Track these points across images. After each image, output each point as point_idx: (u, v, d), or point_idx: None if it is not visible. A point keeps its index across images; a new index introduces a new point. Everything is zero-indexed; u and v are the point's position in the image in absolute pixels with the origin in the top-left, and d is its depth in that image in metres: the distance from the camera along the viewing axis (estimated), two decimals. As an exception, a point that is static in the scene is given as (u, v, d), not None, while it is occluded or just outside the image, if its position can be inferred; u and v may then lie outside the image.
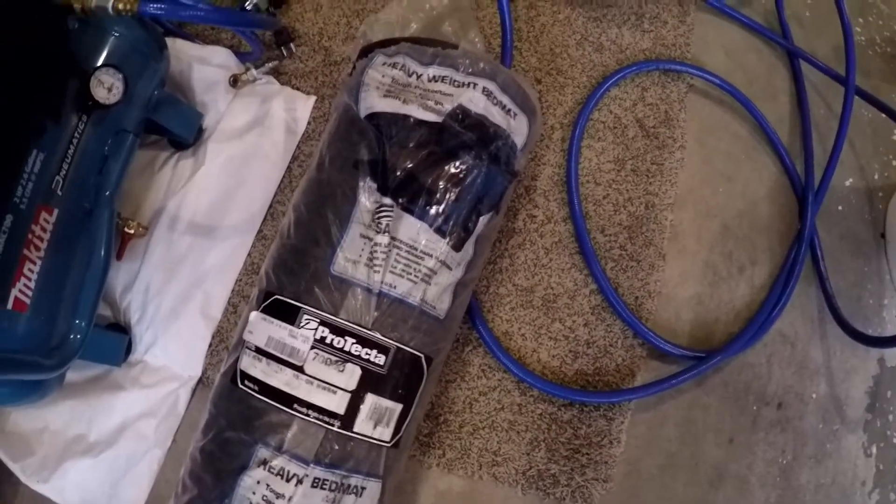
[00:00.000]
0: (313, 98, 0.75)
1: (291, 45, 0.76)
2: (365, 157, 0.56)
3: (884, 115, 0.88)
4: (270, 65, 0.75)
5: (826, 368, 0.81)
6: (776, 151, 0.84)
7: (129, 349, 0.70)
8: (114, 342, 0.69)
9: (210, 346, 0.69)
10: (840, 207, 0.86)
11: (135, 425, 0.69)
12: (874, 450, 0.82)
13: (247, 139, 0.72)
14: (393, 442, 0.55)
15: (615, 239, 0.75)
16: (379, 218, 0.53)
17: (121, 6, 0.57)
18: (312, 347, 0.52)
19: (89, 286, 0.62)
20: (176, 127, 0.71)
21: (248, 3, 0.74)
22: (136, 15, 0.57)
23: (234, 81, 0.74)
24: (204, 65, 0.75)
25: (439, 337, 0.58)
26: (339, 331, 0.52)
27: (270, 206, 0.72)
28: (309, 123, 0.74)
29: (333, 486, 0.52)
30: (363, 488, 0.54)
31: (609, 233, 0.75)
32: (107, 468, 0.68)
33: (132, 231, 0.67)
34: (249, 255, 0.71)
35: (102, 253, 0.62)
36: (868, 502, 0.80)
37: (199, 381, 0.69)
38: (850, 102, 0.82)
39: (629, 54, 0.82)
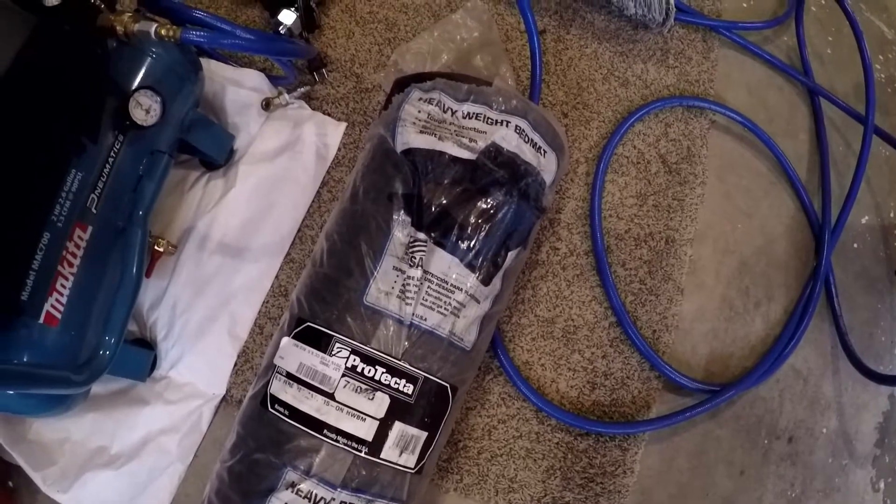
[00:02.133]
0: (344, 124, 0.77)
1: (324, 70, 0.78)
2: (400, 191, 0.58)
3: None
4: (302, 90, 0.77)
5: (837, 404, 0.82)
6: (794, 188, 0.85)
7: (154, 365, 0.72)
8: (140, 357, 0.71)
9: (235, 365, 0.71)
10: (855, 245, 0.87)
11: (157, 440, 0.71)
12: (882, 485, 0.83)
13: (277, 163, 0.74)
14: (417, 468, 0.57)
15: (635, 273, 0.77)
16: (413, 252, 0.55)
17: (164, 32, 0.58)
18: (343, 375, 0.54)
19: (120, 303, 0.63)
20: (208, 148, 0.73)
21: (281, 27, 0.77)
22: (178, 42, 0.59)
23: (267, 105, 0.76)
24: (237, 87, 0.77)
25: (465, 367, 0.60)
26: (369, 360, 0.54)
27: (299, 230, 0.74)
28: (339, 149, 0.76)
29: None
30: None
31: (630, 267, 0.77)
32: (127, 481, 0.70)
33: (162, 249, 0.69)
34: (277, 277, 0.73)
35: (134, 271, 0.63)
36: (874, 538, 0.82)
37: (223, 399, 0.71)
38: (869, 141, 0.84)
39: (654, 90, 0.84)
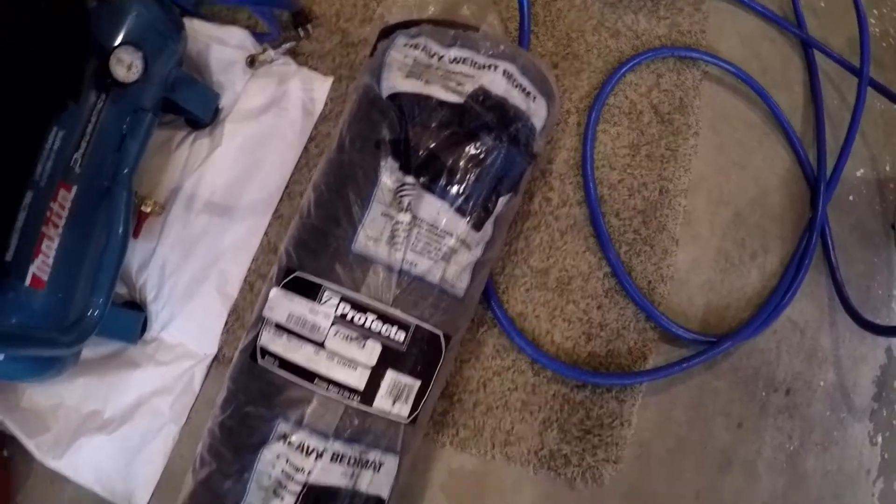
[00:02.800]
0: (331, 79, 0.75)
1: (309, 26, 0.76)
2: (387, 137, 0.56)
3: None
4: (287, 46, 0.75)
5: (835, 356, 0.81)
6: (789, 140, 0.84)
7: (144, 327, 0.71)
8: (130, 320, 0.70)
9: (226, 324, 0.70)
10: (851, 198, 0.86)
11: (150, 402, 0.70)
12: (879, 439, 0.83)
13: (264, 120, 0.73)
14: (411, 418, 0.56)
15: (629, 223, 0.75)
16: (401, 196, 0.54)
17: None
18: (333, 323, 0.52)
19: (107, 264, 0.61)
20: (193, 107, 0.71)
21: (265, -17, 0.75)
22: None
23: (252, 62, 0.74)
24: (221, 45, 0.75)
25: (458, 315, 0.59)
26: (360, 307, 0.53)
27: (287, 187, 0.72)
28: (326, 104, 0.75)
29: (352, 460, 0.53)
30: (381, 464, 0.55)
31: (623, 217, 0.75)
32: (121, 445, 0.69)
33: (149, 210, 0.68)
34: (266, 234, 0.71)
35: (121, 231, 0.62)
36: (872, 490, 0.82)
37: (215, 358, 0.70)
38: (864, 94, 0.83)
39: (645, 40, 0.82)
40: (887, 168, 0.89)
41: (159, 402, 0.70)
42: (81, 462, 0.69)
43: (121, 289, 0.72)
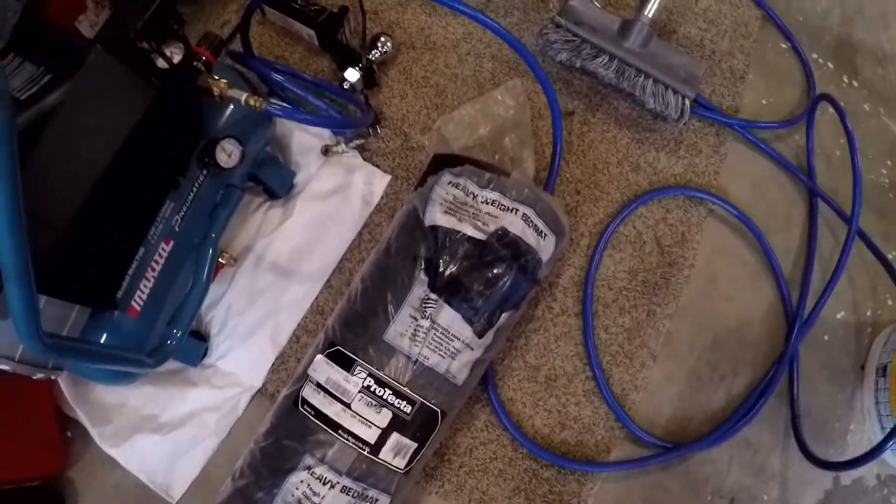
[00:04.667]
0: (389, 177, 1.06)
1: (378, 126, 1.06)
2: (423, 255, 0.86)
3: (890, 256, 1.14)
4: (358, 141, 1.05)
5: (782, 476, 1.07)
6: (776, 280, 1.10)
7: (205, 354, 1.01)
8: (195, 347, 0.99)
9: (272, 365, 1.00)
10: (826, 337, 1.12)
11: (200, 416, 1.00)
12: (816, 557, 1.08)
13: (329, 202, 1.03)
14: (405, 470, 0.85)
15: (615, 338, 1.03)
16: (425, 307, 0.83)
17: (252, 102, 0.85)
18: (360, 391, 0.82)
19: (190, 305, 0.92)
20: (273, 182, 1.02)
21: (345, 83, 1.05)
22: (262, 111, 0.87)
23: (326, 151, 1.04)
24: (302, 132, 1.06)
25: (455, 399, 0.88)
26: (381, 383, 0.82)
27: (340, 262, 1.03)
28: (382, 198, 1.05)
29: (356, 494, 0.83)
30: (377, 500, 0.84)
31: (611, 332, 1.03)
32: (170, 446, 0.98)
33: (224, 262, 0.98)
34: (317, 299, 1.02)
35: (204, 280, 0.93)
36: None
37: (259, 391, 1.00)
38: (850, 243, 1.07)
39: (661, 177, 1.10)
40: (868, 314, 1.14)
41: (208, 417, 0.99)
42: (134, 453, 0.97)
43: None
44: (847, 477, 1.09)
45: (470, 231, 0.85)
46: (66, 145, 0.71)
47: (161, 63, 0.80)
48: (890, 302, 1.15)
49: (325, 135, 1.05)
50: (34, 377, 0.79)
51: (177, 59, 0.82)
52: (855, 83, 1.25)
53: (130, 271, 0.84)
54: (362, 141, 1.06)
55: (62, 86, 0.69)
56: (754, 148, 1.15)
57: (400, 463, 0.84)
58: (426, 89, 1.09)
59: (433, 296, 0.83)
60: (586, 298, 1.02)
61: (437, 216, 0.86)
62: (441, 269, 0.84)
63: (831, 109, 1.15)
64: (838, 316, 1.13)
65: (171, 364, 1.00)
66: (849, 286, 1.14)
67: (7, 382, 0.87)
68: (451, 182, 0.89)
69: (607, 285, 1.05)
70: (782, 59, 1.23)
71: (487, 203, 0.88)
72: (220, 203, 0.93)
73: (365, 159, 1.06)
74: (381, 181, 1.05)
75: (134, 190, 0.81)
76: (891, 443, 0.94)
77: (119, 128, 0.76)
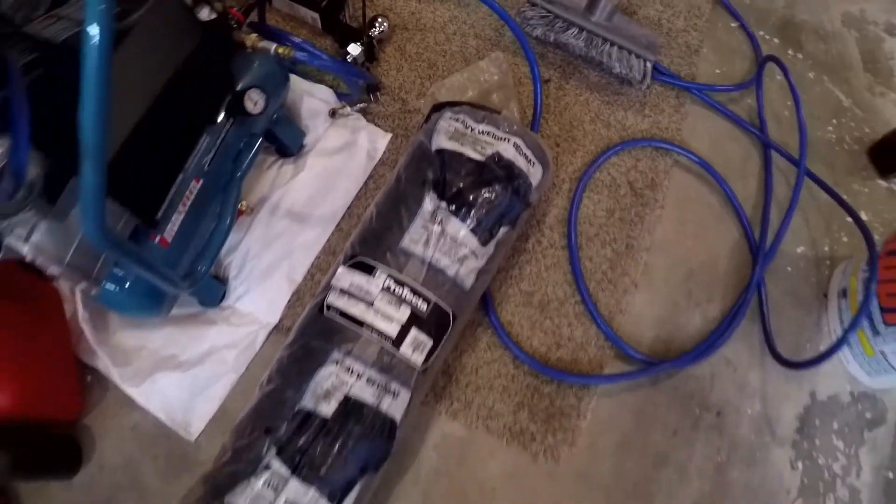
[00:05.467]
0: (390, 135, 1.27)
1: (378, 93, 1.28)
2: (430, 178, 1.05)
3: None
4: (360, 105, 1.27)
5: (762, 392, 1.25)
6: (739, 219, 1.33)
7: (223, 296, 1.17)
8: (215, 287, 1.16)
9: (289, 302, 1.17)
10: (789, 268, 1.33)
11: (219, 353, 1.14)
12: (800, 465, 1.24)
13: (337, 158, 1.24)
14: (423, 368, 1.01)
15: (599, 266, 1.23)
16: (435, 218, 1.02)
17: (281, 51, 1.07)
18: (381, 291, 0.99)
19: (214, 240, 1.09)
20: (287, 139, 1.21)
21: (349, 56, 1.27)
22: (292, 58, 1.08)
23: (333, 113, 1.26)
24: (311, 97, 1.27)
25: (463, 303, 1.05)
26: (399, 283, 0.99)
27: (349, 208, 1.22)
28: (384, 153, 1.26)
29: (379, 385, 0.98)
30: (398, 394, 1.00)
31: (595, 261, 1.23)
32: (189, 383, 1.11)
33: (243, 209, 1.16)
34: (329, 240, 1.20)
35: (229, 215, 1.10)
36: (790, 510, 1.23)
37: (276, 327, 1.16)
38: (801, 181, 1.32)
39: (630, 132, 1.33)
40: (825, 248, 1.36)
41: (226, 353, 1.14)
42: (153, 392, 1.10)
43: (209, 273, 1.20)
44: (822, 393, 1.28)
45: (471, 153, 1.06)
46: (129, 68, 0.90)
47: (203, 15, 1.01)
48: (845, 239, 1.39)
49: (330, 100, 1.27)
50: (77, 287, 0.94)
51: (214, 15, 1.04)
52: (800, 56, 1.54)
53: (166, 203, 1.01)
54: (364, 105, 1.27)
55: (129, 16, 0.90)
56: (711, 109, 1.40)
57: (418, 359, 1.00)
58: (419, 63, 1.33)
59: (443, 205, 1.02)
60: (571, 233, 1.23)
61: (442, 141, 1.07)
62: (448, 186, 1.04)
63: (778, 77, 1.42)
64: (798, 250, 1.35)
65: (190, 307, 1.17)
66: (805, 225, 1.37)
67: (33, 326, 1.02)
68: (451, 117, 1.10)
69: (588, 222, 1.26)
70: (732, 36, 1.51)
71: (483, 134, 1.09)
72: (244, 149, 1.13)
73: (368, 121, 1.28)
74: (383, 139, 1.27)
75: (178, 119, 1.00)
76: (849, 333, 1.14)
77: (170, 62, 0.96)
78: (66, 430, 1.10)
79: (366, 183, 1.24)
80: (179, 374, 1.12)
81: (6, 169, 0.75)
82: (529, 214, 1.19)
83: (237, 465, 0.93)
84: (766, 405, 1.25)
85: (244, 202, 1.16)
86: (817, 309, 1.33)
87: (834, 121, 1.50)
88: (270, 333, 1.16)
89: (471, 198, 1.04)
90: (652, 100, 1.37)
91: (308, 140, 1.26)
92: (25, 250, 0.84)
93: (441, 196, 1.03)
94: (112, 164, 0.73)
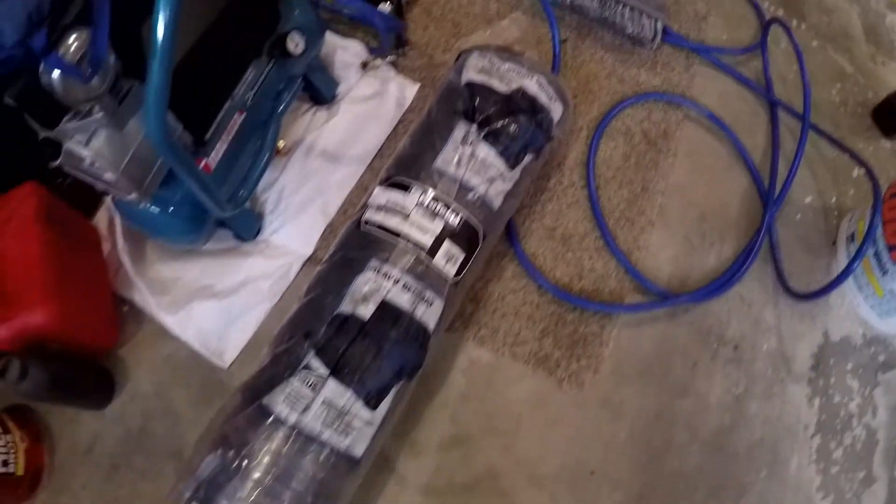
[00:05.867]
0: (418, 85, 1.35)
1: (406, 48, 1.36)
2: (461, 109, 1.12)
3: (845, 157, 1.45)
4: (390, 58, 1.35)
5: (777, 329, 1.29)
6: (748, 169, 1.39)
7: (259, 231, 1.22)
8: (252, 219, 1.21)
9: (322, 234, 1.22)
10: (798, 216, 1.39)
11: (254, 282, 1.18)
12: (817, 402, 1.27)
13: (369, 104, 1.31)
14: (455, 280, 1.06)
15: (617, 205, 1.29)
16: (467, 138, 1.08)
17: None
18: (416, 205, 1.04)
19: (254, 169, 1.15)
20: (322, 86, 1.28)
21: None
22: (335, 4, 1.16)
23: (364, 66, 1.33)
24: (344, 51, 1.35)
25: (492, 223, 1.10)
26: (434, 198, 1.05)
27: (380, 150, 1.29)
28: (413, 101, 1.33)
29: (415, 292, 1.02)
30: (432, 302, 1.04)
31: (613, 200, 1.29)
32: (225, 311, 1.15)
33: (280, 148, 1.23)
34: (361, 178, 1.26)
35: (269, 146, 1.17)
36: (810, 444, 1.25)
37: (309, 258, 1.21)
38: (806, 129, 1.39)
39: (643, 88, 1.41)
40: (832, 200, 1.42)
41: (262, 283, 1.18)
42: (189, 320, 1.14)
43: (247, 204, 1.25)
44: (835, 334, 1.33)
45: (497, 86, 1.13)
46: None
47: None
48: (851, 192, 1.45)
49: (362, 53, 1.35)
50: (126, 197, 0.98)
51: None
52: (803, 26, 1.63)
53: (214, 126, 1.06)
54: (394, 58, 1.35)
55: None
56: (719, 70, 1.48)
57: (451, 270, 1.05)
58: (444, 23, 1.41)
59: (474, 128, 1.09)
60: (590, 174, 1.29)
61: (471, 75, 1.14)
62: (477, 113, 1.11)
63: (783, 45, 1.51)
64: (806, 200, 1.41)
65: (226, 242, 1.22)
66: (812, 178, 1.44)
67: (73, 255, 1.07)
68: (479, 55, 1.18)
69: (606, 165, 1.32)
70: (738, 6, 1.61)
71: (509, 70, 1.16)
72: (283, 90, 1.19)
73: (397, 73, 1.35)
74: (412, 88, 1.34)
75: (229, 48, 1.07)
76: (856, 263, 1.19)
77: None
78: (101, 362, 1.13)
79: (395, 128, 1.31)
80: (215, 303, 1.16)
81: (87, 54, 0.81)
82: (552, 150, 1.24)
83: (276, 369, 0.97)
84: (781, 342, 1.29)
85: (282, 142, 1.22)
86: (827, 256, 1.38)
87: (838, 85, 1.57)
88: (304, 265, 1.21)
89: (498, 124, 1.11)
90: (663, 59, 1.46)
91: (341, 90, 1.33)
92: (85, 154, 0.90)
93: (471, 122, 1.10)
94: (173, 75, 0.78)
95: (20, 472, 1.02)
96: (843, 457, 1.25)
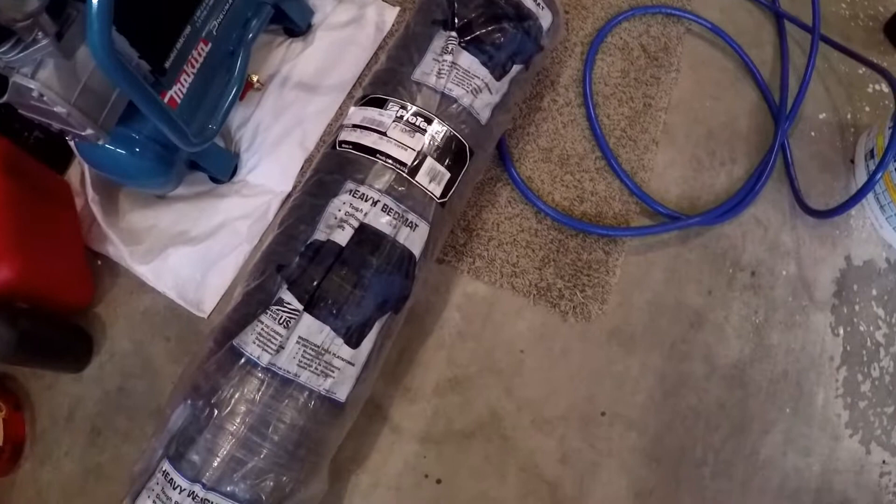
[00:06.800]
0: (398, 9, 1.24)
1: (383, -27, 1.26)
2: (440, 18, 1.01)
3: (859, 71, 1.33)
4: (367, -16, 1.24)
5: (796, 253, 1.18)
6: (756, 82, 1.27)
7: (235, 170, 1.12)
8: (227, 157, 1.11)
9: (301, 169, 1.11)
10: (813, 133, 1.27)
11: (232, 224, 1.09)
12: (841, 331, 1.16)
13: (345, 31, 1.20)
14: (441, 200, 0.95)
15: (618, 123, 1.18)
16: (447, 48, 0.97)
17: None
18: (394, 121, 0.94)
19: (223, 102, 1.04)
20: (295, 15, 1.17)
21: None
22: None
23: (340, -8, 1.23)
24: (318, -21, 1.24)
25: (480, 139, 0.99)
26: (414, 113, 0.94)
27: (359, 77, 1.18)
28: (392, 25, 1.22)
29: (396, 215, 0.91)
30: (416, 225, 0.93)
31: (613, 118, 1.18)
32: (201, 256, 1.06)
33: (252, 82, 1.12)
34: (340, 108, 1.15)
35: (236, 76, 1.05)
36: (836, 376, 1.14)
37: (289, 195, 1.10)
38: (816, 43, 1.27)
39: (639, 1, 1.29)
40: (848, 117, 1.30)
41: (239, 224, 1.08)
42: (165, 269, 1.05)
43: (221, 143, 1.14)
44: (858, 258, 1.21)
45: (479, -10, 1.02)
46: None
47: None
48: (867, 108, 1.32)
49: (337, -19, 1.24)
50: (82, 134, 0.89)
51: None
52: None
53: (177, 46, 0.96)
54: (371, -17, 1.24)
55: None
56: (720, -17, 1.36)
57: (436, 190, 0.94)
58: (423, -54, 1.30)
59: (453, 35, 0.98)
60: (587, 90, 1.17)
61: (449, -20, 1.03)
62: (457, 20, 1.00)
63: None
64: (821, 116, 1.29)
65: (201, 185, 1.12)
66: (826, 94, 1.31)
67: (41, 209, 0.99)
68: (456, -37, 1.06)
69: (603, 82, 1.21)
70: None
71: (490, -24, 1.05)
72: (252, 17, 1.08)
73: None
74: (391, 12, 1.23)
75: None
76: (879, 174, 1.07)
77: None
78: (77, 322, 1.05)
79: (375, 54, 1.20)
80: (191, 249, 1.07)
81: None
82: (542, 62, 1.13)
83: (248, 308, 0.87)
84: (801, 267, 1.17)
85: (255, 76, 1.12)
86: (845, 175, 1.26)
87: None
88: (284, 202, 1.11)
89: (480, 31, 0.99)
90: (660, -29, 1.34)
91: (316, 19, 1.22)
92: (32, 86, 0.80)
93: (451, 28, 0.99)
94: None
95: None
96: (871, 390, 1.14)
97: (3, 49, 0.77)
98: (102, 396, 1.02)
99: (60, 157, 1.13)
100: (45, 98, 0.82)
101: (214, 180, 1.12)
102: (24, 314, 0.93)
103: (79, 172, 1.11)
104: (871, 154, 1.22)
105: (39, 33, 0.78)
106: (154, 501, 0.78)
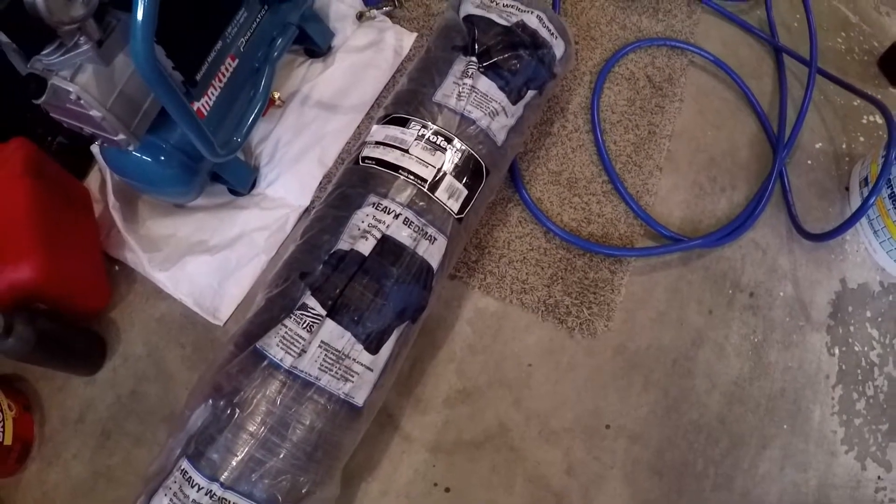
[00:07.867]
0: (415, 34, 1.28)
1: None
2: (460, 44, 1.05)
3: (854, 103, 1.38)
4: (386, 9, 1.28)
5: (793, 276, 1.21)
6: (756, 113, 1.32)
7: (254, 184, 1.15)
8: (247, 170, 1.14)
9: (319, 185, 1.14)
10: (810, 162, 1.32)
11: (250, 235, 1.11)
12: (837, 351, 1.19)
13: (365, 54, 1.24)
14: (458, 216, 0.98)
15: (623, 149, 1.22)
16: (466, 73, 1.01)
17: None
18: (416, 139, 0.97)
19: (248, 115, 1.07)
20: (317, 37, 1.21)
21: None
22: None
23: (360, 17, 1.27)
24: (339, 1, 1.28)
25: (496, 159, 1.03)
26: (434, 132, 0.97)
27: (377, 99, 1.22)
28: (410, 50, 1.26)
29: (416, 228, 0.94)
30: (435, 239, 0.96)
31: (619, 144, 1.22)
32: (219, 266, 1.08)
33: (274, 99, 1.15)
34: (358, 127, 1.19)
35: (262, 92, 1.09)
36: (832, 394, 1.17)
37: (306, 210, 1.13)
38: (813, 75, 1.32)
39: (645, 34, 1.34)
40: (843, 146, 1.35)
41: (257, 235, 1.11)
42: (183, 276, 1.07)
43: (241, 156, 1.17)
44: (852, 281, 1.24)
45: (497, 19, 1.06)
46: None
47: None
48: (861, 138, 1.38)
49: (357, 4, 1.28)
50: (114, 139, 0.91)
51: None
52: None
53: (209, 59, 0.99)
54: (390, 8, 1.28)
55: None
56: (722, 17, 1.42)
57: (454, 206, 0.97)
58: (439, -25, 1.35)
59: (473, 60, 1.01)
60: (594, 117, 1.22)
61: (469, 9, 1.08)
62: (476, 45, 1.04)
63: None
64: (817, 146, 1.34)
65: (221, 197, 1.15)
66: (822, 124, 1.36)
67: (62, 212, 1.01)
68: (476, -8, 1.11)
69: (610, 110, 1.25)
70: None
71: (508, 6, 1.09)
72: (277, 36, 1.12)
73: (393, 24, 1.28)
74: (409, 38, 1.28)
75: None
76: (872, 199, 1.11)
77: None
78: (93, 326, 1.06)
79: (393, 76, 1.24)
80: (209, 258, 1.09)
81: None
82: (554, 89, 1.17)
83: (270, 312, 0.89)
84: (797, 289, 1.21)
85: (276, 93, 1.15)
86: (840, 202, 1.30)
87: (843, 33, 1.51)
88: (301, 216, 1.13)
89: (499, 56, 1.03)
90: (664, 6, 1.39)
91: (336, 41, 1.26)
92: (71, 88, 0.83)
93: (470, 55, 1.03)
94: (160, 5, 0.72)
95: (8, 440, 0.95)
96: (866, 408, 1.17)
97: (45, 52, 0.80)
98: (114, 400, 1.03)
99: (81, 164, 1.15)
100: (82, 101, 0.84)
101: (234, 192, 1.15)
102: (43, 315, 0.94)
103: (98, 179, 1.14)
104: (866, 181, 1.26)
105: (81, 39, 0.81)
106: (171, 500, 0.79)
